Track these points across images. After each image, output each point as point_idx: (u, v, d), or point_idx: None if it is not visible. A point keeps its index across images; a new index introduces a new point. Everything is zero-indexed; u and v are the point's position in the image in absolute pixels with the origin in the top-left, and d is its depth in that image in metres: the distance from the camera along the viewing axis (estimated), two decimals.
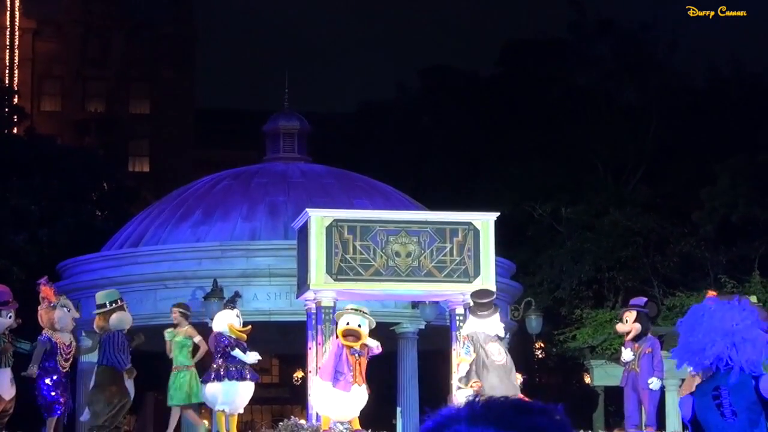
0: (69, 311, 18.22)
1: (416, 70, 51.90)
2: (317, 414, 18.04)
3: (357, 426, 17.47)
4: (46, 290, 18.31)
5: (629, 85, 44.26)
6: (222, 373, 18.21)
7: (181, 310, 19.42)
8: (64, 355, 17.96)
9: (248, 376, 18.42)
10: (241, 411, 19.38)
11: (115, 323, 17.98)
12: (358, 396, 17.25)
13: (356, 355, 17.08)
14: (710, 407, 6.01)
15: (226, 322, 18.37)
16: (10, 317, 17.50)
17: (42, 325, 18.05)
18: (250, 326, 18.68)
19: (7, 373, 17.48)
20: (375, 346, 17.28)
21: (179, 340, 19.08)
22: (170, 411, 19.53)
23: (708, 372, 6.19)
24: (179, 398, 19.04)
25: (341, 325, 17.21)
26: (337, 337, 17.43)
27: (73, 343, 18.25)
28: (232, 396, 18.38)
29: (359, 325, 17.04)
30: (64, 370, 18.09)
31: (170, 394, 19.06)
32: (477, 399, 2.25)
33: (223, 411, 18.50)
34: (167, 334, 19.20)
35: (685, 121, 41.96)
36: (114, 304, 18.08)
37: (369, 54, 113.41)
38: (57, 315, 18.01)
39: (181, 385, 18.97)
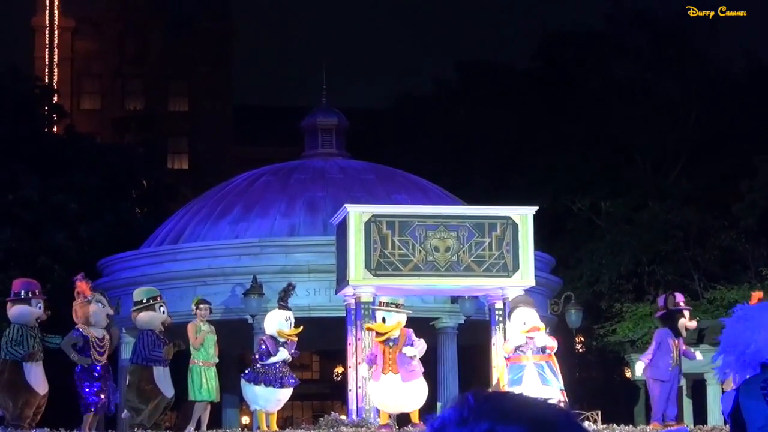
0: (104, 307, 18.29)
1: (453, 64, 51.78)
2: (358, 409, 18.08)
3: (416, 420, 17.65)
4: (81, 285, 18.40)
5: (668, 77, 43.96)
6: (260, 377, 18.23)
7: None
8: (97, 349, 18.00)
9: (287, 383, 18.37)
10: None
11: (143, 323, 18.02)
12: (411, 388, 17.33)
13: (389, 344, 17.36)
14: (755, 393, 5.97)
15: (275, 327, 18.34)
16: (39, 307, 17.61)
17: (76, 321, 18.13)
18: (301, 327, 18.67)
19: (41, 367, 17.58)
20: (416, 350, 17.47)
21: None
22: (208, 407, 19.46)
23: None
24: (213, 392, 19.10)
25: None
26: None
27: (107, 337, 18.23)
28: (269, 401, 18.42)
29: (383, 320, 17.67)
30: (101, 364, 18.15)
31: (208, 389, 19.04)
32: (480, 395, 2.23)
33: (261, 409, 18.58)
34: (208, 327, 19.22)
35: (725, 112, 41.64)
36: (149, 302, 18.12)
37: (406, 48, 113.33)
38: (92, 309, 18.08)
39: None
